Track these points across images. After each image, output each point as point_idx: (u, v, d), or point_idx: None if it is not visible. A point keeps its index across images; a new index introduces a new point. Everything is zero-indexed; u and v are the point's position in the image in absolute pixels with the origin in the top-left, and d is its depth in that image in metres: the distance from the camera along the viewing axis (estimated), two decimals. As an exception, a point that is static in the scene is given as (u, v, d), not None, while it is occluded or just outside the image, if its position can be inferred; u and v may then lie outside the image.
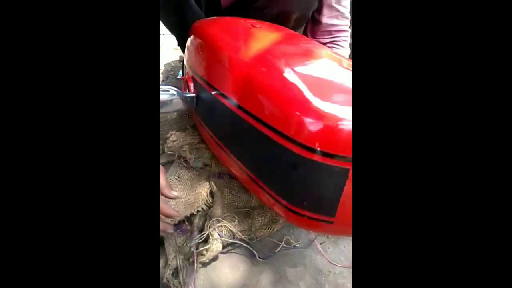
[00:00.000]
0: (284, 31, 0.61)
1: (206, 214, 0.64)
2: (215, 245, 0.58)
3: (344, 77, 0.39)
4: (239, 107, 0.44)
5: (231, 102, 0.45)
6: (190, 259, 0.58)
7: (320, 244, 0.68)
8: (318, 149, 0.35)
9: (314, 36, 0.81)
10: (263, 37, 0.54)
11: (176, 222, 0.61)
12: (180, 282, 0.56)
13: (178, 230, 0.61)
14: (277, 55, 0.44)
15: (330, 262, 0.65)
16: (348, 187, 0.36)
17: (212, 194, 0.68)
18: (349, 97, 0.35)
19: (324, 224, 0.42)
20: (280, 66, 0.41)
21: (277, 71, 0.40)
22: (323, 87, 0.37)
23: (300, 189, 0.40)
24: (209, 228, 0.60)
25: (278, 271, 0.63)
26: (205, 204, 0.66)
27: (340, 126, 0.34)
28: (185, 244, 0.60)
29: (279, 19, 0.74)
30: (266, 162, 0.42)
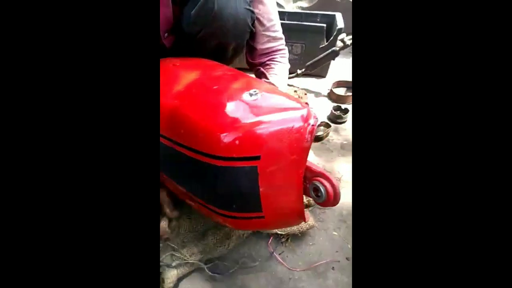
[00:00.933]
0: (199, 64, 0.71)
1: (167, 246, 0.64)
2: (169, 273, 0.59)
3: (243, 97, 0.50)
4: (170, 140, 0.53)
5: (165, 139, 0.54)
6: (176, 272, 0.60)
7: (279, 254, 0.72)
8: (226, 156, 0.45)
9: (253, 59, 0.88)
10: (181, 76, 0.63)
11: None
12: None
13: None
14: (191, 91, 0.56)
15: (289, 269, 0.69)
16: (262, 182, 0.46)
17: (170, 226, 0.67)
18: (248, 111, 0.47)
19: (257, 220, 0.51)
20: (195, 100, 0.54)
21: (193, 104, 0.53)
22: (227, 109, 0.49)
23: (226, 194, 0.50)
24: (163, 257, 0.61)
25: (241, 286, 0.64)
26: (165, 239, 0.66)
27: (241, 135, 0.45)
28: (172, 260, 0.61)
29: (218, 50, 0.79)
30: (198, 180, 0.52)
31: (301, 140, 0.45)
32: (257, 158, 0.44)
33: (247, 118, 0.46)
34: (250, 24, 0.77)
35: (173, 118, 0.52)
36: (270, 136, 0.44)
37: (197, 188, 0.53)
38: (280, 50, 0.89)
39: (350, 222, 0.78)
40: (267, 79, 0.83)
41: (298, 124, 0.44)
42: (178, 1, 0.76)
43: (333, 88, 1.32)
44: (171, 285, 0.60)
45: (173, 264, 0.61)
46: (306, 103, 1.27)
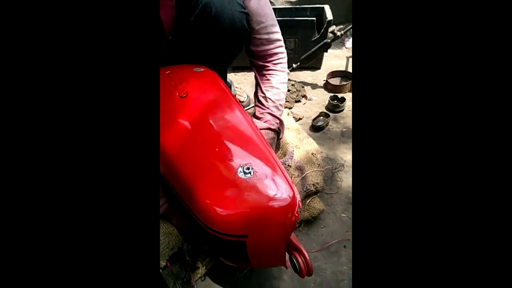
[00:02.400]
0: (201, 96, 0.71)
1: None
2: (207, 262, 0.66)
3: (238, 174, 0.53)
4: (173, 188, 0.60)
5: (168, 182, 0.62)
6: (190, 283, 0.65)
7: (294, 238, 0.77)
8: (218, 230, 0.51)
9: (253, 60, 0.91)
10: (182, 107, 0.66)
11: (170, 255, 0.65)
12: None
13: (172, 260, 0.65)
14: (192, 145, 0.60)
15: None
16: (249, 250, 0.53)
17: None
18: (241, 192, 0.51)
19: (249, 265, 0.60)
20: (196, 162, 0.57)
21: (194, 168, 0.57)
22: (224, 186, 0.53)
23: (218, 252, 0.61)
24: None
25: (262, 271, 0.70)
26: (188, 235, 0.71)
27: (233, 217, 0.50)
28: (180, 270, 0.66)
29: (217, 51, 0.84)
30: (196, 231, 0.60)
31: (286, 228, 0.50)
32: (245, 236, 0.50)
33: (240, 199, 0.50)
34: (246, 26, 0.81)
35: (174, 169, 0.56)
36: (258, 221, 0.49)
37: (203, 237, 0.61)
38: (274, 54, 0.89)
39: (356, 204, 0.84)
40: (263, 94, 0.86)
41: (284, 214, 0.49)
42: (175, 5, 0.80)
43: (329, 79, 1.36)
44: (204, 272, 0.66)
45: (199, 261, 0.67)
46: (305, 96, 1.32)
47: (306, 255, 0.53)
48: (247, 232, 0.50)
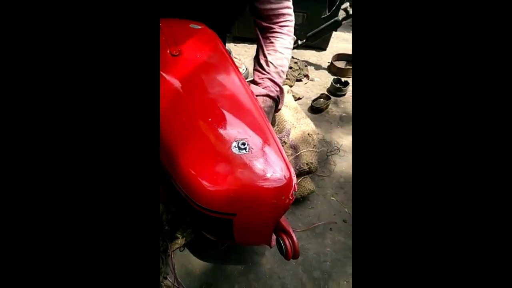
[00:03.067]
0: (198, 67, 0.63)
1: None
2: (187, 234, 0.62)
3: (232, 148, 0.49)
4: (165, 167, 0.55)
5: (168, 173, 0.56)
6: (166, 252, 0.62)
7: (280, 216, 0.75)
8: (205, 207, 0.47)
9: (258, 21, 0.83)
10: (175, 77, 0.59)
11: None
12: (160, 272, 0.60)
13: None
14: (183, 118, 0.53)
15: (290, 229, 0.73)
16: (236, 229, 0.50)
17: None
18: (234, 167, 0.46)
19: (232, 242, 0.57)
20: (186, 135, 0.51)
21: (184, 142, 0.51)
22: (216, 160, 0.48)
23: (205, 227, 0.57)
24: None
25: (245, 247, 0.68)
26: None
27: (222, 193, 0.46)
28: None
29: (220, 6, 0.76)
30: (186, 208, 0.55)
31: (278, 210, 0.47)
32: (233, 215, 0.47)
33: (232, 176, 0.46)
34: None
35: (164, 145, 0.52)
36: (249, 200, 0.45)
37: (185, 209, 0.58)
38: (283, 15, 0.82)
39: (347, 189, 0.83)
40: (265, 57, 0.79)
41: (277, 196, 0.46)
42: None
43: (334, 61, 1.31)
44: (183, 243, 0.63)
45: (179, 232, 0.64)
46: (307, 75, 1.27)
47: (295, 238, 0.50)
48: (235, 211, 0.47)
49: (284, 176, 0.46)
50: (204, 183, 0.45)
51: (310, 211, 0.78)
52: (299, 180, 0.78)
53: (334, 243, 0.71)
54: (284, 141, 0.82)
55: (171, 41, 0.67)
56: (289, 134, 0.84)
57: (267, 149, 0.49)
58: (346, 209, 0.78)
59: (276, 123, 0.88)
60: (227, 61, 0.66)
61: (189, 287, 0.62)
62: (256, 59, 0.82)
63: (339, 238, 0.72)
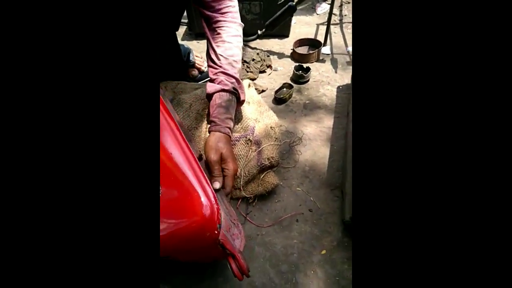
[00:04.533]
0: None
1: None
2: None
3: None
4: None
5: None
6: None
7: (247, 214, 0.75)
8: None
9: (199, 9, 0.79)
10: None
11: None
12: None
13: None
14: None
15: (257, 226, 0.73)
16: (179, 260, 0.52)
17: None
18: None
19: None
20: None
21: None
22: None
23: None
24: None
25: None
26: None
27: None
28: None
29: None
30: None
31: (207, 246, 0.46)
32: (167, 257, 0.48)
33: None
34: None
35: None
36: (174, 245, 0.45)
37: None
38: (223, 1, 0.78)
39: (312, 177, 0.83)
40: (214, 51, 0.76)
41: (199, 234, 0.44)
42: None
43: (295, 47, 1.29)
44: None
45: None
46: (270, 66, 1.25)
47: (240, 259, 0.50)
48: (167, 254, 0.46)
49: (205, 211, 0.45)
50: None
51: (277, 205, 0.78)
52: (262, 176, 0.78)
53: (301, 234, 0.72)
54: (249, 139, 0.81)
55: None
56: (253, 132, 0.83)
57: (184, 184, 0.46)
58: (311, 198, 0.78)
59: (239, 121, 0.87)
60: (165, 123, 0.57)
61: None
62: (207, 54, 0.80)
63: (305, 228, 0.72)
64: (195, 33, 1.52)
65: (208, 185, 0.48)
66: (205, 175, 0.49)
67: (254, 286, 0.64)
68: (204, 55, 1.35)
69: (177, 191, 0.46)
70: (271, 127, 0.88)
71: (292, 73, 1.17)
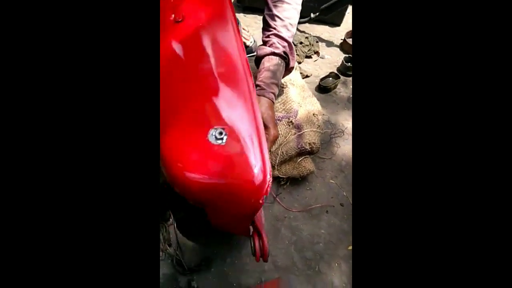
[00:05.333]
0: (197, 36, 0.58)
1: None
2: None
3: (209, 137, 0.46)
4: None
5: None
6: (168, 221, 0.63)
7: (277, 195, 0.74)
8: (180, 191, 0.44)
9: None
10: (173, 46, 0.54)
11: None
12: (161, 240, 0.59)
13: None
14: (174, 88, 0.50)
15: (286, 208, 0.72)
16: (210, 216, 0.49)
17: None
18: (208, 158, 0.43)
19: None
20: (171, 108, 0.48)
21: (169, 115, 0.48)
22: (192, 147, 0.45)
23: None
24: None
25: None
26: None
27: (192, 184, 0.43)
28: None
29: None
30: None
31: (246, 211, 0.44)
32: (203, 205, 0.46)
33: (203, 167, 0.42)
34: None
35: None
36: (216, 196, 0.43)
37: None
38: None
39: (347, 173, 0.81)
40: (270, 11, 0.71)
41: (246, 197, 0.42)
42: None
43: (347, 38, 1.23)
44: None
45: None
46: (317, 52, 1.20)
47: (266, 241, 0.49)
48: (204, 203, 0.45)
49: (258, 179, 0.43)
50: (180, 167, 0.43)
51: (307, 192, 0.76)
52: (299, 160, 0.76)
53: (329, 225, 0.70)
54: (291, 121, 0.79)
55: (177, 5, 0.62)
56: (296, 115, 0.81)
57: (246, 144, 0.44)
58: (344, 193, 0.76)
59: (283, 102, 0.84)
60: (232, 34, 0.61)
61: (188, 259, 0.62)
62: (263, 17, 0.76)
63: (334, 221, 0.71)
64: (243, 6, 1.47)
65: (266, 153, 0.47)
66: (265, 141, 0.48)
67: (277, 266, 0.63)
68: (250, 29, 1.31)
69: (239, 147, 0.44)
70: (313, 114, 0.85)
71: (340, 63, 1.12)
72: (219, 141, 0.43)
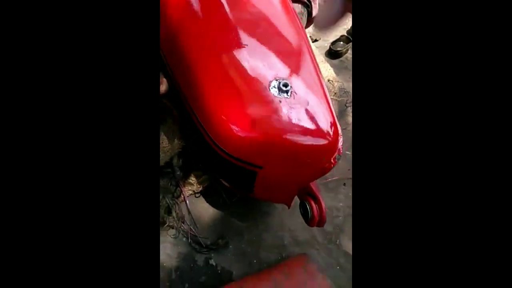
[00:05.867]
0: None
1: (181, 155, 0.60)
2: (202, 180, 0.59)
3: (271, 89, 0.40)
4: (181, 92, 0.47)
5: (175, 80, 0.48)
6: (179, 197, 0.59)
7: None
8: (232, 154, 0.41)
9: None
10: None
11: None
12: (174, 217, 0.57)
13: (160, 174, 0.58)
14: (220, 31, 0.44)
15: (302, 182, 0.69)
16: (258, 182, 0.44)
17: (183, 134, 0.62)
18: (271, 112, 0.38)
19: (250, 194, 0.52)
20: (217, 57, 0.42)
21: (213, 66, 0.43)
22: (250, 98, 0.40)
23: (224, 177, 0.52)
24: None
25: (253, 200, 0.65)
26: (180, 148, 0.60)
27: (252, 139, 0.38)
28: (170, 184, 0.58)
29: None
30: (205, 154, 0.49)
31: (314, 173, 0.41)
32: (259, 167, 0.41)
33: (265, 121, 0.37)
34: None
35: (190, 71, 0.41)
36: (281, 155, 0.37)
37: (203, 155, 0.52)
38: None
39: (364, 143, 0.77)
40: None
41: (316, 156, 0.37)
42: None
43: (358, -3, 1.13)
44: (200, 188, 0.60)
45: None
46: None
47: (323, 205, 0.45)
48: (263, 163, 0.40)
49: (329, 135, 0.38)
50: (234, 127, 0.37)
51: (323, 165, 0.73)
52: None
53: (347, 198, 0.68)
54: None
55: None
56: None
57: (313, 97, 0.40)
58: (362, 165, 0.73)
59: None
60: None
61: (204, 236, 0.59)
62: None
63: (351, 194, 0.69)
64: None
65: (333, 108, 0.43)
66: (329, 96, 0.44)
67: (297, 241, 0.61)
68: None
69: (306, 101, 0.40)
70: (329, 80, 0.79)
71: (350, 26, 1.03)
72: (284, 94, 0.38)
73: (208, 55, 0.41)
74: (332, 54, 0.96)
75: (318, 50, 0.97)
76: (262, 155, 0.38)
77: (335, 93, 0.76)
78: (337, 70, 0.93)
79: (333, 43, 0.97)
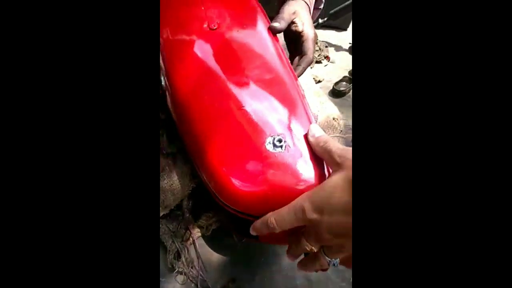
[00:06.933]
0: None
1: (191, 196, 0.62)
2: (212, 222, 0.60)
3: (266, 145, 0.43)
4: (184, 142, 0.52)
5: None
6: (188, 241, 0.59)
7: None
8: (233, 207, 0.43)
9: None
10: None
11: (167, 212, 0.59)
12: (183, 262, 0.57)
13: (168, 218, 0.59)
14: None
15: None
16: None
17: (193, 176, 0.64)
18: (267, 168, 0.40)
19: (256, 240, 0.51)
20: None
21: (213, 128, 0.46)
22: (247, 157, 0.42)
23: (239, 229, 0.50)
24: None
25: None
26: (190, 190, 0.62)
27: (250, 195, 0.40)
28: (178, 227, 0.59)
29: None
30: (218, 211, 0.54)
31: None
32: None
33: (263, 176, 0.39)
34: None
35: (191, 130, 0.46)
36: (281, 205, 0.39)
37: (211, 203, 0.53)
38: None
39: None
40: None
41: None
42: None
43: (356, 41, 1.22)
44: (209, 231, 0.60)
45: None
46: (327, 57, 1.19)
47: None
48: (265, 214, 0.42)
49: (320, 179, 0.40)
50: (234, 181, 0.40)
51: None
52: (323, 168, 0.73)
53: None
54: None
55: (211, 11, 0.59)
56: (316, 121, 0.78)
57: (306, 148, 0.42)
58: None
59: None
60: (271, 39, 0.58)
61: (214, 281, 0.58)
62: None
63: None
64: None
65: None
66: None
67: (310, 281, 0.59)
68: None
69: (299, 153, 0.41)
70: (334, 118, 0.82)
71: (352, 67, 1.10)
72: (278, 149, 0.40)
73: (213, 116, 0.46)
74: (336, 93, 1.01)
75: (322, 90, 1.03)
76: (262, 207, 0.40)
77: (341, 131, 0.78)
78: (341, 108, 0.97)
79: (336, 83, 1.03)
